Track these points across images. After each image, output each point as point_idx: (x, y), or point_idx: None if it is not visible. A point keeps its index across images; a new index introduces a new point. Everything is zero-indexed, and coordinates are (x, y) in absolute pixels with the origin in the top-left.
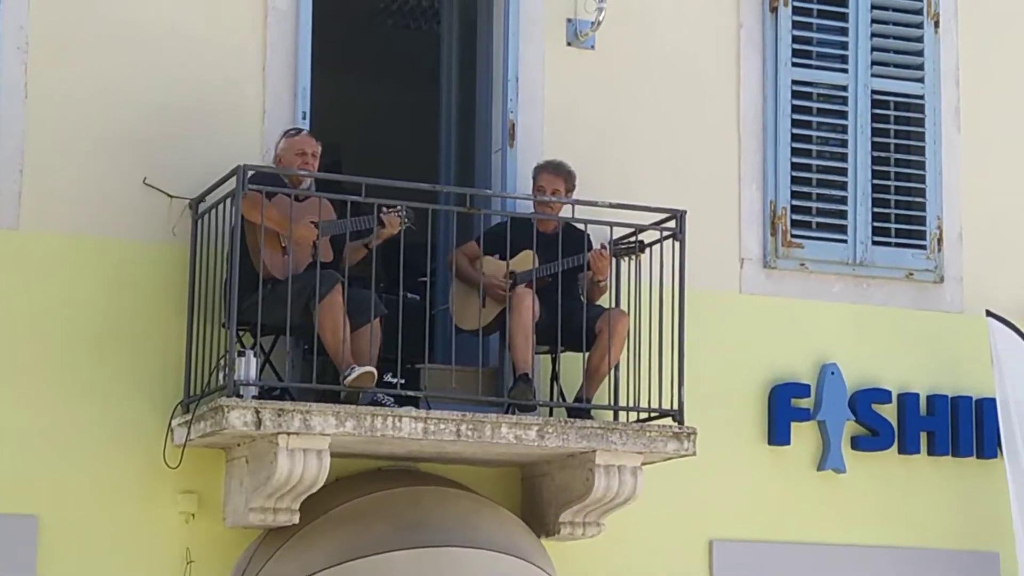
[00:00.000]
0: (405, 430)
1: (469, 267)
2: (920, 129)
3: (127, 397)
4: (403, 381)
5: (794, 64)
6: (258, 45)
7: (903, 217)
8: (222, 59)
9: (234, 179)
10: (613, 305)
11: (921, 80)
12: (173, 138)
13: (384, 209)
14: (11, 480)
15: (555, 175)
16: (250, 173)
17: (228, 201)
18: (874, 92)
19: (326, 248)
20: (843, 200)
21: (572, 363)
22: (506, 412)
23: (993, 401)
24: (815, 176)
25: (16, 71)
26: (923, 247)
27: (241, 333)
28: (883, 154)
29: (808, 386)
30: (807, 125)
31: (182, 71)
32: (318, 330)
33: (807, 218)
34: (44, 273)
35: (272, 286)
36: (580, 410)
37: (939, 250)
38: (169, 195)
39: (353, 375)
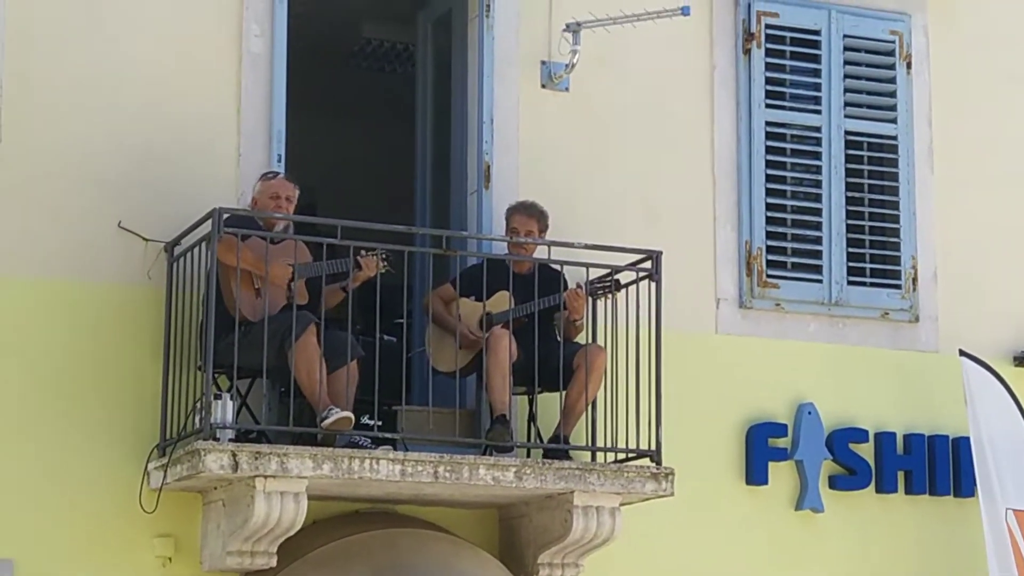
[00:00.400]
0: (383, 472)
1: (444, 311)
2: (894, 169)
3: (103, 441)
4: (380, 423)
5: (768, 105)
6: (232, 88)
7: (878, 257)
8: (197, 102)
9: (209, 222)
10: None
11: (894, 121)
12: (148, 181)
13: (362, 252)
14: None
15: (527, 216)
16: (225, 216)
17: (203, 244)
18: (847, 133)
19: (302, 291)
20: (818, 240)
21: (549, 404)
22: (484, 453)
23: (969, 440)
24: (790, 216)
25: None
26: (898, 287)
27: (217, 376)
28: (857, 194)
29: (785, 426)
30: (781, 166)
31: (157, 114)
32: (294, 372)
33: (782, 258)
34: (18, 317)
35: (246, 328)
36: (558, 451)
37: (914, 290)
38: (144, 238)
39: (331, 419)
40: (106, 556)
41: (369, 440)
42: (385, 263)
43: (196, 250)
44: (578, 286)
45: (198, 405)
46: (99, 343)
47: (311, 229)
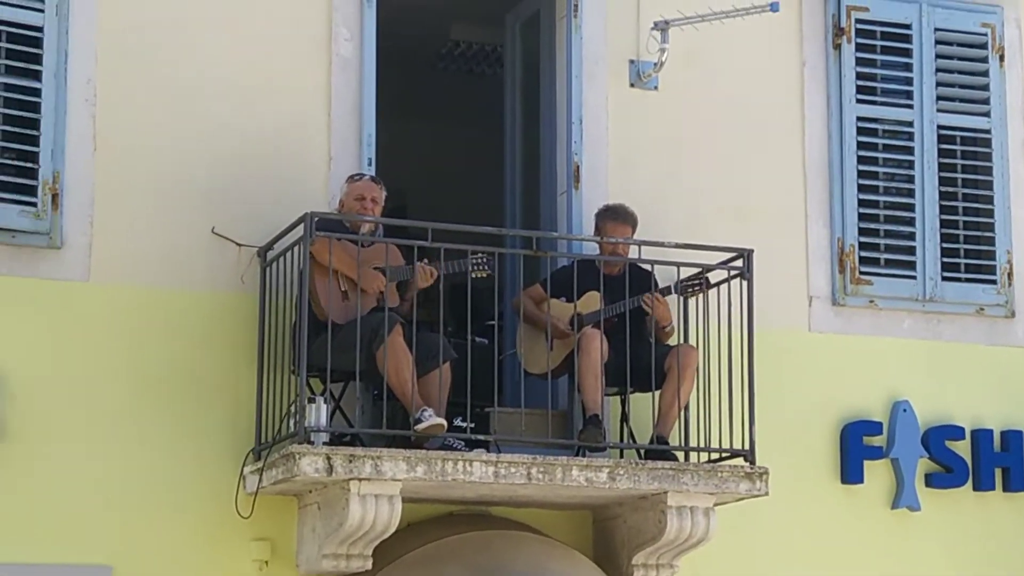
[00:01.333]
0: (476, 474)
1: (535, 309)
2: (987, 164)
3: (199, 446)
4: (473, 425)
5: (859, 100)
6: (323, 93)
7: (972, 252)
8: (288, 108)
9: (301, 227)
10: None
11: (987, 114)
12: (240, 187)
13: (476, 257)
14: (86, 531)
15: (620, 223)
16: (316, 220)
17: (296, 248)
18: (940, 127)
19: (393, 294)
20: (911, 236)
21: (641, 403)
22: (576, 454)
23: None
24: (882, 212)
25: (84, 124)
26: (993, 282)
27: (311, 379)
28: (950, 189)
29: (880, 424)
30: (873, 161)
31: (248, 121)
32: (384, 374)
33: (875, 255)
34: (115, 325)
35: (336, 331)
36: (652, 451)
37: (1009, 284)
38: (238, 244)
39: (424, 424)
40: (203, 561)
41: (462, 442)
42: (485, 267)
43: (288, 254)
44: (658, 290)
45: (292, 409)
46: (194, 349)
47: (402, 232)
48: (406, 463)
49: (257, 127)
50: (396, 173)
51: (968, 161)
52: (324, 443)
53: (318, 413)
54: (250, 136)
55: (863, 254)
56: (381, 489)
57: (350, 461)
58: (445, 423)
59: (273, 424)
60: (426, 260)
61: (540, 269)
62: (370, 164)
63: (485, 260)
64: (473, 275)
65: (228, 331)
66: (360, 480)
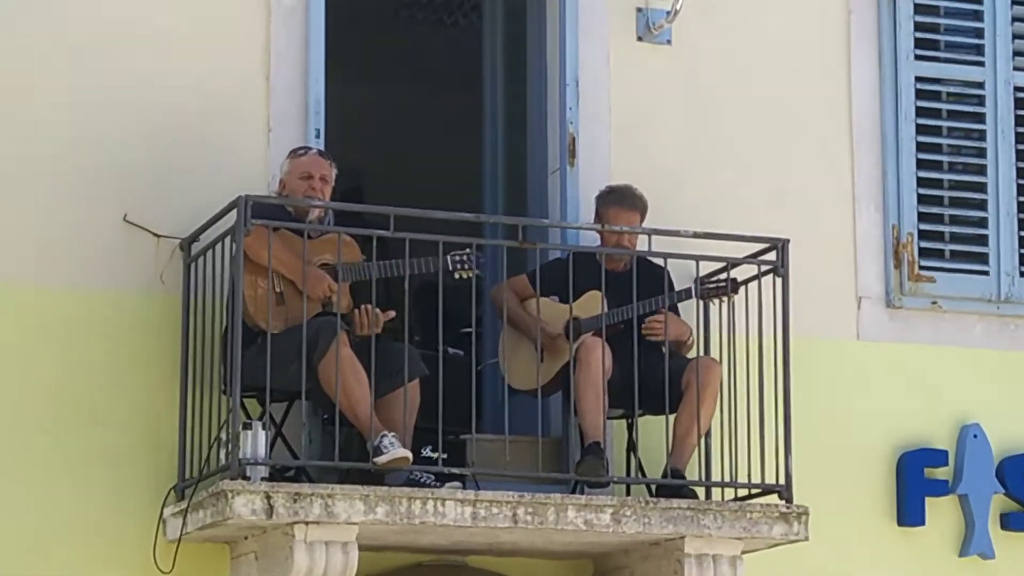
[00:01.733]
0: (450, 516)
1: (521, 309)
2: None
3: (106, 483)
4: (445, 456)
5: (918, 58)
6: (260, 49)
7: None
8: (217, 67)
9: (233, 213)
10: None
11: None
12: (158, 165)
13: (459, 254)
14: None
15: (627, 209)
16: (252, 204)
17: (227, 240)
18: (1017, 89)
19: (345, 295)
20: (982, 223)
21: (652, 429)
22: (573, 491)
23: None
24: (947, 194)
25: None
26: None
27: (246, 400)
28: None
29: (945, 452)
30: (936, 131)
31: (167, 83)
32: (334, 393)
33: (938, 246)
34: (5, 332)
35: (268, 341)
36: (666, 487)
37: None
38: (155, 234)
39: (386, 457)
40: None
41: (432, 477)
42: (470, 265)
43: (218, 247)
44: (672, 292)
45: (223, 436)
46: (102, 363)
47: (357, 219)
48: (363, 503)
49: (179, 91)
50: (350, 147)
51: None
52: (263, 478)
53: (255, 442)
54: (170, 102)
55: (923, 245)
56: (333, 535)
57: (295, 500)
58: (410, 455)
59: (200, 455)
60: (460, 254)
61: (527, 264)
62: (318, 136)
63: (469, 258)
64: (456, 276)
65: (144, 341)
66: (307, 524)
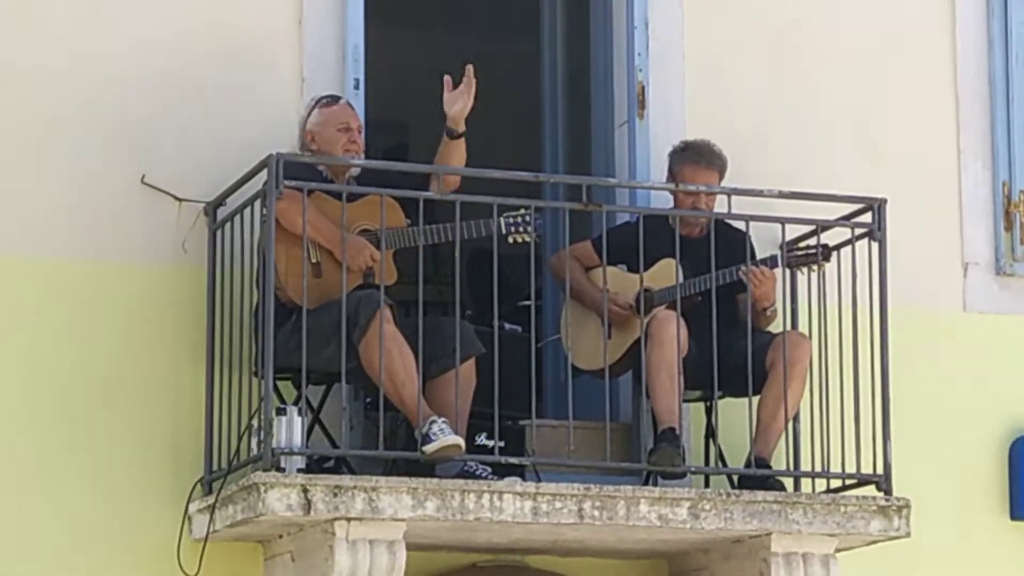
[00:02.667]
0: (508, 511)
1: (586, 280)
2: None
3: (126, 475)
4: (503, 444)
5: None
6: None
7: None
8: (242, 11)
9: (263, 174)
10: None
11: None
12: (180, 122)
13: (515, 215)
14: None
15: (704, 167)
16: (284, 164)
17: (257, 204)
18: None
19: (389, 267)
20: None
21: (734, 413)
22: (646, 483)
23: None
24: None
25: None
26: None
27: (279, 383)
28: None
29: None
30: None
31: (189, 30)
32: (377, 375)
33: None
34: (10, 311)
35: (309, 319)
36: (750, 478)
37: None
38: (177, 198)
39: (435, 445)
40: None
41: (489, 468)
42: (529, 227)
43: (246, 212)
44: (764, 261)
45: (255, 423)
46: (117, 342)
47: (402, 179)
48: (412, 497)
49: (200, 38)
50: (393, 100)
51: None
52: (299, 470)
53: (290, 429)
54: (192, 52)
55: None
56: (378, 532)
57: (335, 494)
58: (463, 443)
59: (229, 445)
60: (517, 214)
61: (592, 229)
62: (356, 87)
63: (526, 219)
64: (511, 239)
65: (165, 317)
66: (349, 520)
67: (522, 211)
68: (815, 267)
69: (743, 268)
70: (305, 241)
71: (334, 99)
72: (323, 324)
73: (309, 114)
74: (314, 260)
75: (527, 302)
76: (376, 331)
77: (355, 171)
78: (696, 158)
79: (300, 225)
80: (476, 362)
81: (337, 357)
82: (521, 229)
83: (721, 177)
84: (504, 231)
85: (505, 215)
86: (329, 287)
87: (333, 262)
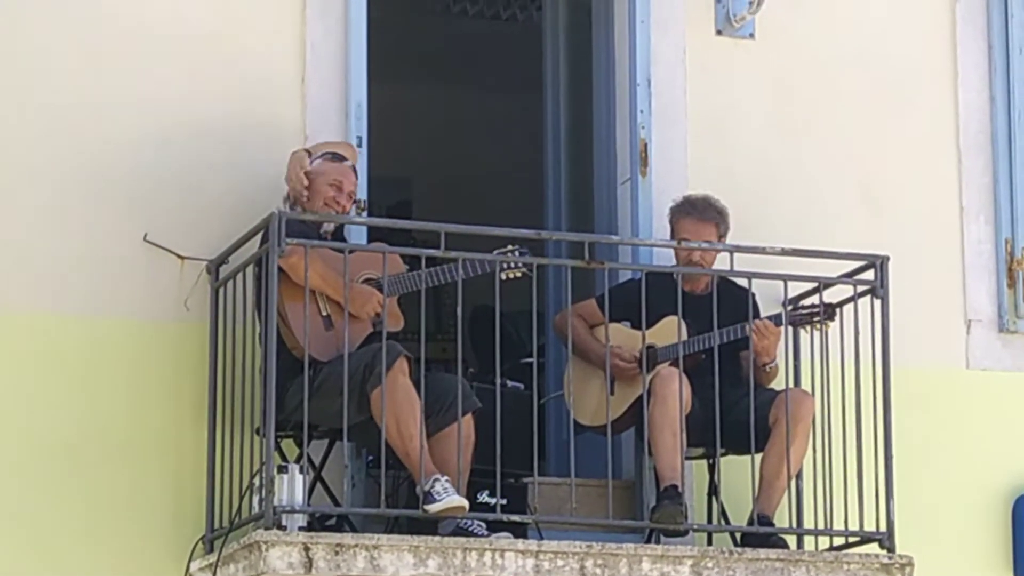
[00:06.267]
0: (510, 568)
1: (590, 336)
2: None
3: (127, 533)
4: (504, 501)
5: None
6: (294, 48)
7: None
8: (246, 71)
9: (265, 232)
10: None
11: None
12: (182, 179)
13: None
14: None
15: (702, 221)
16: (287, 221)
17: (263, 259)
18: None
19: (394, 312)
20: None
21: (737, 470)
22: (648, 540)
23: None
24: None
25: None
26: None
27: (281, 440)
28: None
29: None
30: None
31: (192, 87)
32: (383, 427)
33: None
34: (8, 369)
35: (315, 372)
36: (752, 535)
37: None
38: (179, 256)
39: (439, 505)
40: None
41: (483, 525)
42: (517, 264)
43: (249, 269)
44: (759, 319)
45: (256, 481)
46: (119, 399)
47: (405, 236)
48: (413, 555)
49: (204, 96)
50: (396, 156)
51: None
52: (301, 528)
53: (292, 487)
54: (195, 109)
55: None
56: None
57: (336, 552)
58: (466, 504)
59: (231, 502)
60: (508, 250)
61: (595, 286)
62: (360, 145)
63: (517, 252)
64: (503, 276)
65: (167, 374)
66: None
67: (510, 246)
68: (819, 326)
69: (755, 323)
70: (307, 294)
71: (341, 158)
72: (337, 375)
73: (316, 158)
74: (324, 313)
75: (529, 359)
76: (394, 381)
77: (329, 227)
78: (690, 210)
79: (303, 277)
80: (476, 419)
81: (349, 410)
82: (512, 265)
83: (719, 230)
84: (495, 268)
85: (496, 251)
86: (342, 339)
87: (344, 314)
